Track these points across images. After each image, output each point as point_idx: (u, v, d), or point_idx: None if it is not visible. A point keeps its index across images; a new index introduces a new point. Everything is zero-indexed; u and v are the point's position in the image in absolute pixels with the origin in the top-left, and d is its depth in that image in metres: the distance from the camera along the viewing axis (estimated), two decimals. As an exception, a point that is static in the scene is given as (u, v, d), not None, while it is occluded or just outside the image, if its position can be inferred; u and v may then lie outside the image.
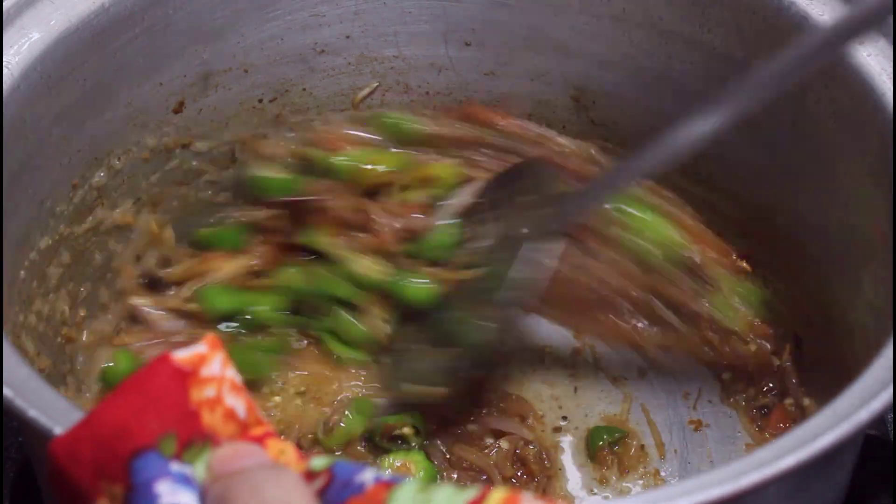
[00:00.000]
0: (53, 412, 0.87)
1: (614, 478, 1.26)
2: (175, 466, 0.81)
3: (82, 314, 1.28)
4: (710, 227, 1.36)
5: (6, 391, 0.89)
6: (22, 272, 1.16)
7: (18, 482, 1.25)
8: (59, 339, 1.25)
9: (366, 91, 1.40)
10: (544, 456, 1.25)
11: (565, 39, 1.35)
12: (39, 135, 1.16)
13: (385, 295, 1.30)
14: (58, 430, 0.85)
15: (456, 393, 1.24)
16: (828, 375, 1.24)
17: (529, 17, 1.34)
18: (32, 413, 0.87)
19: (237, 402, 0.85)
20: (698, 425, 1.30)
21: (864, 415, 0.88)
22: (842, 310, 1.23)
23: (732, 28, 1.25)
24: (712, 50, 1.28)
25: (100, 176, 1.26)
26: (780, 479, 0.86)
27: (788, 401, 1.28)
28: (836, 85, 1.17)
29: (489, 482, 1.21)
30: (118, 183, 1.29)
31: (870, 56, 1.15)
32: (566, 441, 1.28)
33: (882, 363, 0.96)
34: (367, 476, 0.82)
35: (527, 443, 1.26)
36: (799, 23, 1.19)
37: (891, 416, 1.31)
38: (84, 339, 1.28)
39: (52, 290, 1.23)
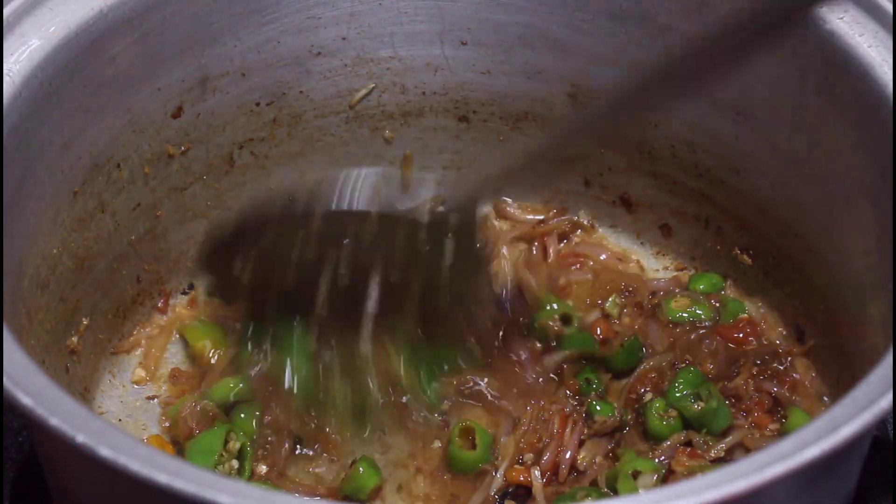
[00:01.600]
0: (75, 420, 0.87)
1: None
2: None
3: (85, 322, 1.28)
4: (710, 222, 1.36)
5: (25, 399, 0.88)
6: (25, 281, 1.16)
7: (18, 482, 1.24)
8: (62, 348, 1.24)
9: (362, 92, 1.40)
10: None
11: (561, 36, 1.35)
12: (41, 143, 1.16)
13: None
14: (80, 438, 0.85)
15: None
16: (834, 366, 1.25)
17: (525, 15, 1.34)
18: (54, 421, 0.86)
19: None
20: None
21: (884, 403, 0.88)
22: (844, 301, 1.24)
23: (731, 22, 1.25)
24: (710, 44, 1.28)
25: (100, 183, 1.25)
26: (800, 472, 0.86)
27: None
28: (837, 76, 1.18)
29: None
30: (118, 189, 1.28)
31: (871, 47, 1.15)
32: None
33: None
34: None
35: None
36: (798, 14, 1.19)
37: (891, 416, 1.31)
38: (86, 347, 1.28)
39: (54, 299, 1.22)
